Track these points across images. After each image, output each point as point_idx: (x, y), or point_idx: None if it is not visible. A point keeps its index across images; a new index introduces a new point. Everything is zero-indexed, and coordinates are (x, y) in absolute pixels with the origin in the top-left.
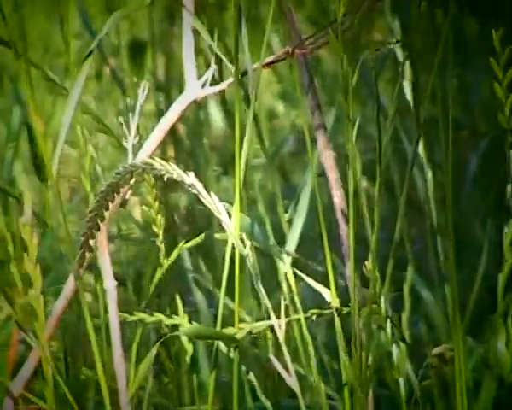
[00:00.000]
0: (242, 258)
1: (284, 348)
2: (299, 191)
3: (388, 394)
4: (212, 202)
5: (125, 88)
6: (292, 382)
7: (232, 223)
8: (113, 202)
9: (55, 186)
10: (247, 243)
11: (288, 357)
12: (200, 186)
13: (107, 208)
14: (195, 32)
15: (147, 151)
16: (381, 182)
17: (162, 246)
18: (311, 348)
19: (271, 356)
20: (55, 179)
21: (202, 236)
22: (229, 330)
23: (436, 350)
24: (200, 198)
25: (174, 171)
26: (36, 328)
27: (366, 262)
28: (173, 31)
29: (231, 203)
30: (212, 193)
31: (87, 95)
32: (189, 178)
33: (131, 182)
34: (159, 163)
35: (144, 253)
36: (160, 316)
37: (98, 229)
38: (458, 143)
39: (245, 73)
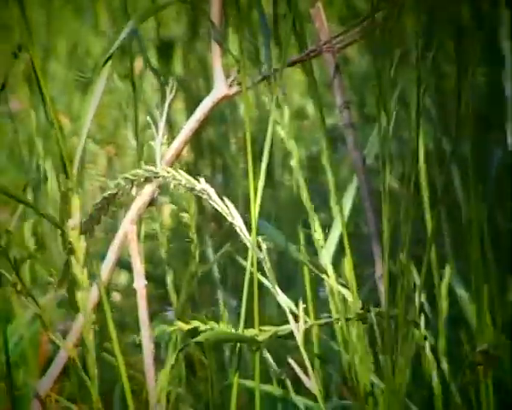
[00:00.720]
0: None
1: (303, 352)
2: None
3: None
4: (225, 207)
5: (154, 88)
6: (311, 385)
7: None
8: (105, 215)
9: (75, 185)
10: (264, 246)
11: (307, 360)
12: (212, 192)
13: (99, 222)
14: (223, 33)
15: (174, 150)
16: (411, 179)
17: (196, 251)
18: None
19: (291, 360)
20: (75, 178)
21: (228, 245)
22: (250, 333)
23: (481, 347)
24: (212, 203)
25: (182, 177)
26: (83, 334)
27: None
28: (201, 30)
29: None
30: (224, 198)
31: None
32: (200, 184)
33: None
34: (165, 170)
35: (174, 252)
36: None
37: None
38: (487, 139)
39: (270, 74)
